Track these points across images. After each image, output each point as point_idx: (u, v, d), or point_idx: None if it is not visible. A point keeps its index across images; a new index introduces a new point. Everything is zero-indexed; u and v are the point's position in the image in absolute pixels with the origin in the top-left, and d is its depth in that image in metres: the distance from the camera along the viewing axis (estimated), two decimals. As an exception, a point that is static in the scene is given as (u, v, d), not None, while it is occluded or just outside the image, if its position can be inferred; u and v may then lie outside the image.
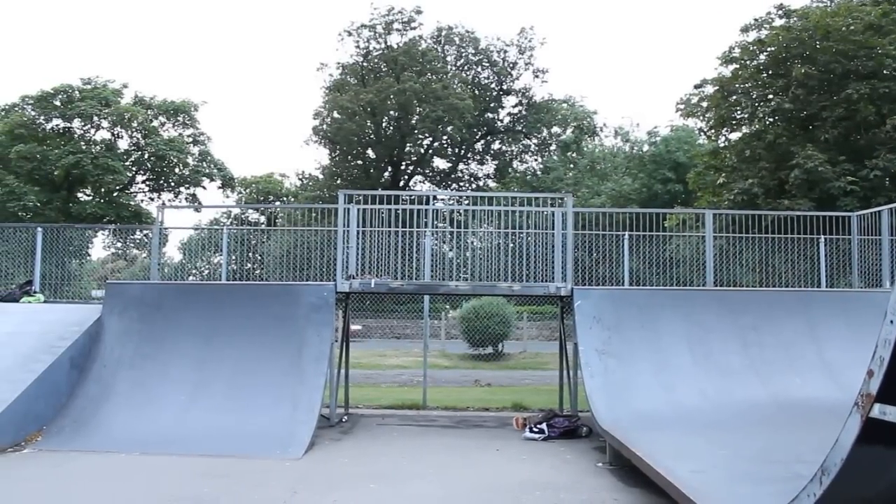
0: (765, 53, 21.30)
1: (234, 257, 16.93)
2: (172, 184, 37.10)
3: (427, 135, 47.28)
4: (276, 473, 8.11)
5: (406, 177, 49.33)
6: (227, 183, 38.73)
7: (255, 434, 9.46)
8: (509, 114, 50.48)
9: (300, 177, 51.21)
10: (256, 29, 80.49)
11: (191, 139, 37.38)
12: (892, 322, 3.34)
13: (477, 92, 48.33)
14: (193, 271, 20.07)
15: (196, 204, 36.76)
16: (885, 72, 19.12)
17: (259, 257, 19.65)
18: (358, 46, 47.13)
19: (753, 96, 21.80)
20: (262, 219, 29.63)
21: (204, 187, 37.72)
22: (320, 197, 43.33)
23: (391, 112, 45.75)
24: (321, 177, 49.09)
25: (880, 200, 16.35)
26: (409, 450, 9.78)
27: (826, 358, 11.02)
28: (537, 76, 49.48)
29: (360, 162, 48.27)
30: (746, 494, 5.90)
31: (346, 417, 12.30)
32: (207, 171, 37.30)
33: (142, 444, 9.25)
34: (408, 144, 47.85)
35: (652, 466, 7.00)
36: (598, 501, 7.25)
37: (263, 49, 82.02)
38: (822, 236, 13.88)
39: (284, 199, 48.65)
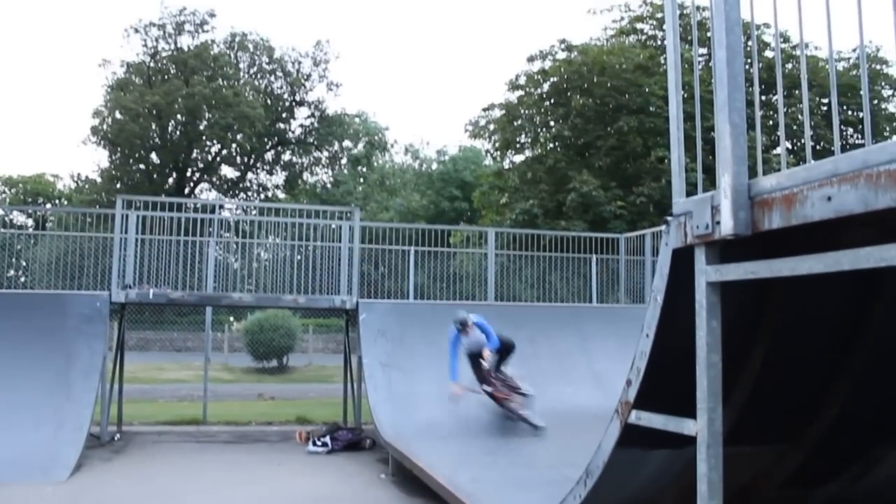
0: (548, 83, 22.49)
1: (-6, 263, 15.56)
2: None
3: (215, 142, 45.78)
4: (36, 500, 7.47)
5: (192, 184, 47.42)
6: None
7: (12, 458, 8.58)
8: (301, 125, 49.92)
9: (75, 179, 47.87)
10: (29, 17, 74.63)
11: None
12: (647, 336, 3.63)
13: (269, 101, 47.46)
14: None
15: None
16: (651, 108, 20.80)
17: (24, 264, 18.17)
18: (145, 45, 44.83)
19: (536, 122, 22.97)
20: (30, 222, 27.42)
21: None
22: (98, 201, 40.73)
23: (178, 116, 43.88)
24: (99, 180, 46.10)
25: (645, 224, 17.71)
26: (187, 468, 9.37)
27: (595, 368, 11.77)
28: (331, 89, 49.33)
29: (142, 166, 45.84)
30: (520, 499, 6.17)
31: (118, 435, 11.57)
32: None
33: None
34: (195, 151, 46.05)
35: (432, 476, 7.15)
36: (379, 513, 7.32)
37: (36, 39, 75.97)
38: (595, 255, 14.80)
39: (56, 201, 45.31)
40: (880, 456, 4.97)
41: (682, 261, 3.37)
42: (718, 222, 3.02)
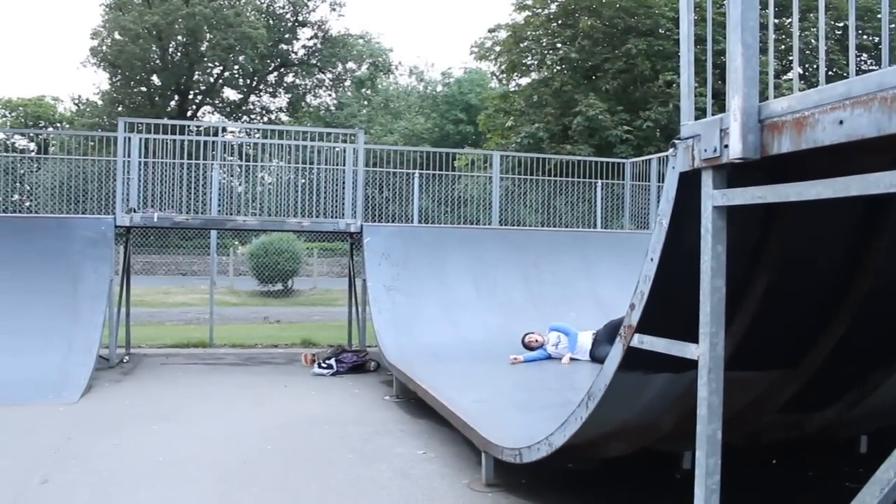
0: (555, 3, 22.02)
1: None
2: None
3: (217, 63, 45.20)
4: (48, 419, 7.57)
5: (194, 107, 47.01)
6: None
7: (24, 379, 8.70)
8: (304, 46, 49.16)
9: (76, 102, 47.43)
10: (25, -65, 72.78)
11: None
12: (651, 260, 3.61)
13: (271, 21, 46.66)
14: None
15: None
16: (660, 31, 20.39)
17: (28, 188, 18.11)
18: (142, -37, 43.83)
19: (543, 44, 22.56)
20: (32, 146, 27.22)
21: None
22: (99, 125, 40.42)
23: (179, 37, 43.20)
24: (100, 103, 45.67)
25: (651, 149, 17.58)
26: (194, 389, 9.51)
27: (598, 293, 11.82)
28: (334, 9, 48.49)
29: (143, 89, 45.36)
30: (523, 420, 6.24)
31: (127, 358, 11.72)
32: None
33: None
34: (196, 73, 45.52)
35: (436, 398, 7.23)
36: (385, 432, 7.42)
37: (33, -42, 74.13)
38: (600, 180, 14.71)
39: (58, 125, 44.97)
40: (878, 382, 5.02)
41: (689, 185, 3.33)
42: (727, 146, 2.97)
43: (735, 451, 3.56)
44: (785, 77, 17.93)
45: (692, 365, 3.35)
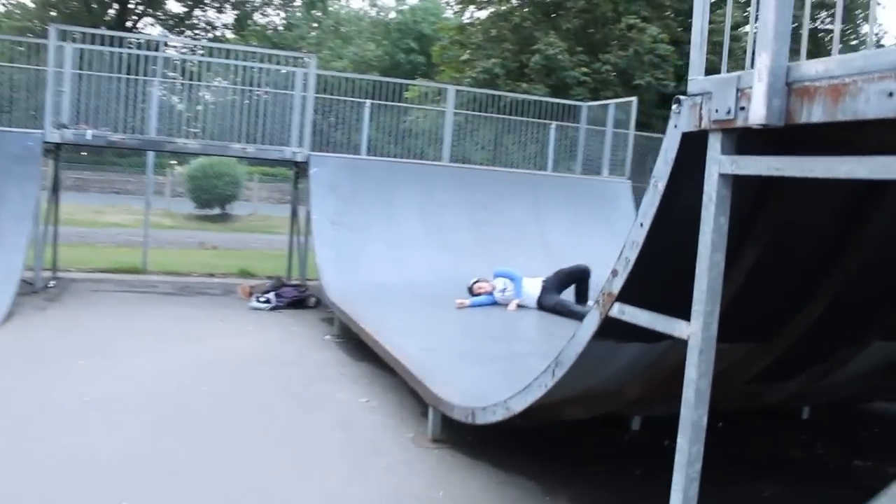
0: (518, -66, 21.35)
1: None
2: None
3: (161, -29, 43.11)
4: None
5: (135, 17, 44.87)
6: None
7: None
8: (254, -40, 47.18)
9: (4, 3, 44.80)
10: None
11: None
12: (641, 225, 3.30)
13: (219, -70, 44.60)
14: None
15: None
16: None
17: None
18: None
19: (502, -25, 21.92)
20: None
21: None
22: (30, 29, 38.29)
23: (120, -60, 40.99)
24: (32, 5, 43.21)
25: (608, 94, 17.28)
26: (125, 320, 9.00)
27: (547, 238, 11.62)
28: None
29: (80, -7, 43.04)
30: (471, 373, 6.01)
31: (53, 282, 11.04)
32: None
33: None
34: (138, -20, 43.39)
35: (380, 343, 6.93)
36: (324, 377, 7.12)
37: None
38: (554, 122, 14.38)
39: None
40: (845, 359, 4.89)
41: (690, 147, 3.01)
42: (743, 108, 2.64)
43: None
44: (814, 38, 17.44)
45: (666, 336, 3.11)
